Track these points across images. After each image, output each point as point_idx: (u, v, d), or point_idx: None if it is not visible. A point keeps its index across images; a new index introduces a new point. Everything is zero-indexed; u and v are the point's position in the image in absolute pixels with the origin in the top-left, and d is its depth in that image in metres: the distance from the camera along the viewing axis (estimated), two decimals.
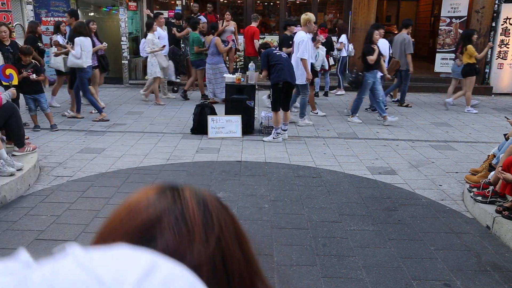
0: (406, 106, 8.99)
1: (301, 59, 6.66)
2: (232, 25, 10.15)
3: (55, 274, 0.38)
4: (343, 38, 9.83)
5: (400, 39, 8.61)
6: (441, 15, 11.09)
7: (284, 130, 6.48)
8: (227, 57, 10.15)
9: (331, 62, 9.59)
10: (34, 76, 6.32)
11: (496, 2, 10.45)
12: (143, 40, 9.24)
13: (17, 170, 4.44)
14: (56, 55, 7.64)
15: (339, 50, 9.74)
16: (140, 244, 0.45)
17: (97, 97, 7.84)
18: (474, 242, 3.59)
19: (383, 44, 8.23)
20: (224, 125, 6.53)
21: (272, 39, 11.67)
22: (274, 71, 6.06)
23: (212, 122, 6.50)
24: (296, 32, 7.70)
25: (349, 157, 5.68)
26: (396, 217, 4.00)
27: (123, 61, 10.68)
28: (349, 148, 6.10)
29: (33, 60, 6.48)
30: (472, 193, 4.19)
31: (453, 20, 10.80)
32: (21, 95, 6.31)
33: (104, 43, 8.15)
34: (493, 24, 10.48)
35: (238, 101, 6.65)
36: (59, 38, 7.61)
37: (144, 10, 11.10)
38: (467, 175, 4.74)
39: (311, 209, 4.09)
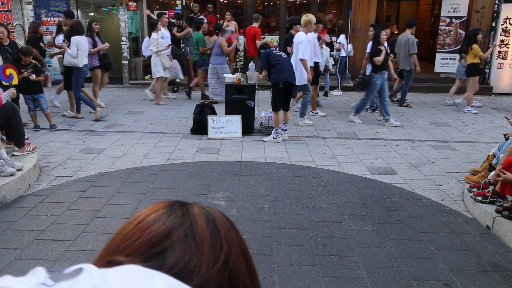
0: (406, 106, 8.99)
1: (301, 60, 6.66)
2: (232, 25, 10.16)
3: None
4: (342, 38, 9.83)
5: (404, 39, 8.61)
6: (441, 15, 11.09)
7: (284, 130, 6.48)
8: (227, 57, 10.15)
9: (332, 62, 9.59)
10: (34, 76, 6.32)
11: (496, 2, 10.45)
12: (146, 39, 9.25)
13: (17, 170, 4.44)
14: (51, 56, 7.64)
15: (338, 50, 9.74)
16: (150, 259, 0.46)
17: (91, 97, 7.82)
18: (474, 242, 3.59)
19: None
20: (224, 125, 6.53)
21: (272, 39, 11.68)
22: (274, 71, 6.05)
23: (212, 122, 6.50)
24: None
25: (349, 157, 5.68)
26: (396, 217, 4.00)
27: (123, 61, 10.68)
28: (349, 148, 6.10)
29: (33, 61, 6.48)
30: (472, 193, 4.19)
31: (453, 20, 10.80)
32: (21, 95, 6.31)
33: (106, 43, 8.15)
34: (493, 24, 10.48)
35: (238, 101, 6.65)
36: (61, 37, 7.61)
37: (144, 11, 11.10)
38: (467, 175, 4.74)
39: (311, 209, 4.09)
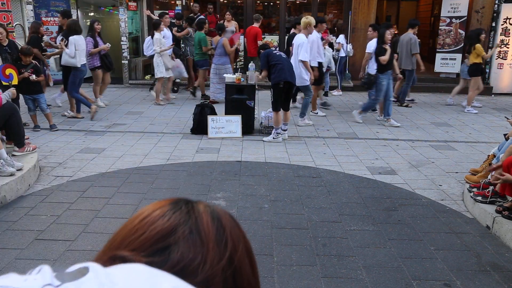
0: (406, 106, 8.99)
1: (302, 61, 6.67)
2: (233, 25, 10.16)
3: None
4: (341, 38, 9.82)
5: (406, 39, 8.61)
6: (441, 15, 11.09)
7: (284, 130, 6.48)
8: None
9: (333, 63, 9.59)
10: (34, 76, 6.31)
11: (496, 2, 10.45)
12: (147, 39, 9.26)
13: (17, 170, 4.44)
14: (48, 56, 7.62)
15: (337, 50, 9.74)
16: (154, 254, 0.46)
17: (87, 96, 7.82)
18: (474, 242, 3.59)
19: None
20: (224, 125, 6.54)
21: (272, 39, 11.68)
22: (275, 71, 6.06)
23: (212, 122, 6.50)
24: (293, 33, 7.73)
25: (349, 157, 5.68)
26: (396, 217, 4.00)
27: (123, 61, 10.68)
28: (349, 148, 6.10)
29: (33, 61, 6.48)
30: (472, 193, 4.19)
31: (453, 20, 10.80)
32: (21, 95, 6.30)
33: (108, 43, 8.16)
34: (493, 24, 10.48)
35: (238, 101, 6.65)
36: (76, 37, 7.59)
37: (144, 11, 11.11)
38: (467, 175, 4.74)
39: (311, 209, 4.09)
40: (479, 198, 4.05)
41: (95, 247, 3.33)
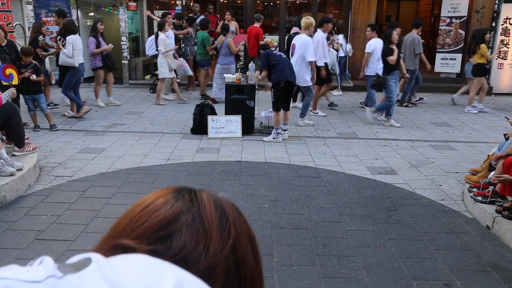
0: (406, 106, 8.99)
1: (310, 62, 6.72)
2: (233, 25, 10.16)
3: None
4: (340, 38, 9.82)
5: (409, 39, 8.60)
6: (441, 15, 11.09)
7: (284, 130, 6.48)
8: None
9: (337, 65, 9.57)
10: (34, 76, 6.32)
11: (496, 2, 10.45)
12: (149, 39, 9.27)
13: (17, 170, 4.44)
14: (44, 56, 7.62)
15: (337, 50, 9.74)
16: (156, 242, 0.46)
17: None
18: (474, 242, 3.59)
19: (379, 44, 8.22)
20: (224, 125, 6.53)
21: (272, 39, 11.68)
22: (275, 71, 6.06)
23: (212, 122, 6.50)
24: (295, 32, 7.72)
25: (349, 157, 5.68)
26: (396, 217, 4.00)
27: (123, 61, 10.69)
28: (349, 148, 6.10)
29: (33, 61, 6.48)
30: (472, 193, 4.19)
31: (453, 20, 10.80)
32: (21, 95, 6.30)
33: (110, 44, 8.17)
34: (493, 24, 10.48)
35: (238, 101, 6.65)
36: (73, 37, 7.59)
37: (145, 11, 11.10)
38: (467, 175, 4.74)
39: (311, 209, 4.09)
40: (479, 198, 4.05)
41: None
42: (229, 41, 8.55)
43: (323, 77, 7.68)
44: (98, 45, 7.96)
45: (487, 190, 4.04)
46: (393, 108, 7.46)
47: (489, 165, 4.63)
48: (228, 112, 6.73)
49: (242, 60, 11.47)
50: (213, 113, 6.74)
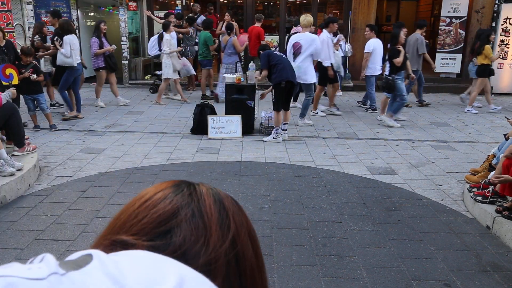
0: (406, 106, 8.97)
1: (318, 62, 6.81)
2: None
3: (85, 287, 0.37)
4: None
5: (413, 39, 8.59)
6: (441, 15, 11.09)
7: (284, 130, 6.48)
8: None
9: (342, 67, 9.54)
10: (34, 76, 6.31)
11: (496, 2, 10.45)
12: (152, 38, 9.28)
13: (17, 170, 4.44)
14: (40, 56, 7.62)
15: (336, 50, 9.72)
16: (156, 238, 0.46)
17: (98, 95, 7.81)
18: (474, 242, 3.59)
19: (377, 44, 8.24)
20: (224, 125, 6.53)
21: (272, 39, 11.68)
22: (276, 71, 6.06)
23: (212, 122, 6.50)
24: (295, 32, 7.71)
25: (349, 157, 5.68)
26: (396, 217, 4.00)
27: (123, 61, 10.68)
28: (349, 148, 6.10)
29: (33, 61, 6.48)
30: (472, 193, 4.19)
31: (453, 20, 10.80)
32: (21, 95, 6.30)
33: (114, 45, 8.18)
34: (493, 24, 10.48)
35: (238, 101, 6.65)
36: (70, 37, 7.59)
37: (145, 11, 11.10)
38: (467, 175, 4.74)
39: (311, 209, 4.09)
40: (479, 198, 4.05)
41: None
42: (234, 40, 8.58)
43: (331, 76, 7.69)
44: (101, 46, 7.97)
45: (487, 190, 4.04)
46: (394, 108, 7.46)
47: (489, 165, 4.64)
48: (228, 112, 6.73)
49: (243, 60, 11.47)
50: (213, 113, 6.74)
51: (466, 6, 10.61)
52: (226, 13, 10.14)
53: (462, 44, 10.80)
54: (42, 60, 7.63)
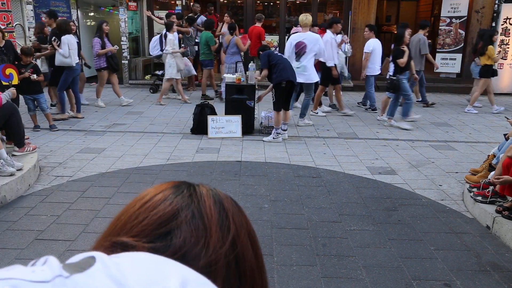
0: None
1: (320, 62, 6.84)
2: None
3: None
4: (339, 38, 9.81)
5: (415, 39, 8.59)
6: (441, 15, 11.08)
7: (284, 130, 6.48)
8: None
9: (346, 69, 9.54)
10: (35, 76, 6.32)
11: (496, 2, 10.45)
12: (154, 39, 9.28)
13: (17, 170, 4.44)
14: (37, 57, 7.62)
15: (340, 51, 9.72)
16: (156, 240, 0.46)
17: (98, 94, 7.78)
18: (474, 242, 3.59)
19: (377, 44, 8.24)
20: (224, 125, 6.53)
21: (272, 39, 11.68)
22: (276, 70, 6.06)
23: (212, 122, 6.50)
24: (295, 32, 7.71)
25: (349, 157, 5.68)
26: (396, 217, 4.00)
27: (123, 61, 10.69)
28: (349, 148, 6.10)
29: (33, 61, 6.48)
30: (472, 193, 4.19)
31: (453, 20, 10.80)
32: (21, 95, 6.30)
33: (116, 46, 8.18)
34: (493, 24, 10.48)
35: (238, 101, 6.65)
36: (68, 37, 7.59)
37: (145, 12, 11.10)
38: (467, 175, 4.74)
39: (311, 209, 4.09)
40: (479, 198, 4.05)
41: None
42: (236, 40, 8.60)
43: (335, 77, 7.70)
44: (103, 46, 7.97)
45: (487, 190, 4.04)
46: (396, 108, 7.45)
47: (489, 165, 4.64)
48: (228, 112, 6.73)
49: (243, 60, 11.46)
50: (213, 113, 6.74)
51: (466, 6, 10.61)
52: (226, 14, 10.14)
53: (462, 44, 10.80)
54: (39, 61, 7.64)
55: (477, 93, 8.45)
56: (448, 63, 10.99)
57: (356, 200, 4.34)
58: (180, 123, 7.30)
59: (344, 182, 4.83)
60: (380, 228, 3.77)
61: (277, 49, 11.03)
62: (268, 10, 12.81)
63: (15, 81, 5.95)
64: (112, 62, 8.17)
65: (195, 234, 0.46)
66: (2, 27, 7.32)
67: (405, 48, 7.02)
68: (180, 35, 9.62)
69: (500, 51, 9.27)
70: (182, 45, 9.86)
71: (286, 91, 6.18)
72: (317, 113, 8.04)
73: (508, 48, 10.41)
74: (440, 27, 11.09)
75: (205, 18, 10.23)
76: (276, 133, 6.32)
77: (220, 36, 9.79)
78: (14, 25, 8.63)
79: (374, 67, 8.28)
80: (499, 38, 10.33)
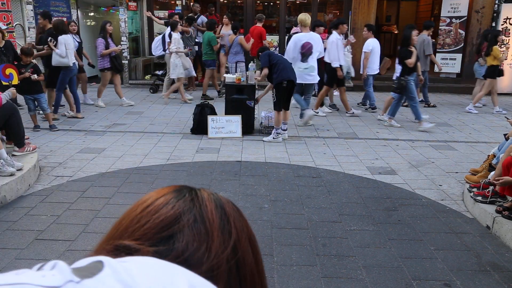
0: (407, 105, 8.97)
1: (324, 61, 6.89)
2: (229, 30, 10.12)
3: None
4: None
5: (420, 40, 8.58)
6: (441, 15, 11.09)
7: (284, 130, 6.48)
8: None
9: (352, 69, 9.52)
10: (35, 76, 6.32)
11: (496, 2, 10.45)
12: (156, 39, 9.28)
13: (17, 170, 4.44)
14: (34, 57, 7.61)
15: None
16: (158, 243, 0.46)
17: (97, 94, 7.79)
18: (474, 242, 3.59)
19: (376, 44, 8.24)
20: (224, 125, 6.53)
21: (272, 39, 11.68)
22: (277, 70, 6.07)
23: (212, 122, 6.50)
24: (296, 32, 7.71)
25: (349, 157, 5.68)
26: (396, 217, 4.00)
27: (123, 61, 10.68)
28: (349, 148, 6.10)
29: (33, 61, 6.48)
30: (472, 193, 4.19)
31: (453, 20, 10.80)
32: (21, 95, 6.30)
33: (119, 46, 8.18)
34: (493, 24, 10.48)
35: (238, 101, 6.65)
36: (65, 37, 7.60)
37: (145, 12, 11.10)
38: (467, 175, 4.74)
39: (311, 209, 4.09)
40: (479, 198, 4.05)
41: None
42: (240, 39, 8.62)
43: (340, 77, 7.70)
44: (107, 46, 7.97)
45: (487, 190, 4.04)
46: (398, 109, 7.45)
47: (489, 165, 4.64)
48: (228, 112, 6.73)
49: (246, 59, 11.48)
50: (213, 113, 6.74)
51: (466, 6, 10.61)
52: (225, 16, 10.09)
53: (462, 44, 10.80)
54: (34, 61, 7.64)
55: (481, 93, 8.44)
56: (448, 63, 10.99)
57: (356, 200, 4.34)
58: (180, 123, 7.30)
59: (344, 182, 4.83)
60: (380, 228, 3.77)
61: (277, 49, 11.03)
62: (268, 10, 12.81)
63: (15, 81, 5.95)
64: (116, 63, 8.18)
65: (198, 239, 0.47)
66: (3, 27, 7.32)
67: (413, 49, 6.98)
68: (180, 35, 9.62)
69: (504, 51, 9.27)
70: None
71: (287, 90, 6.18)
72: (318, 112, 8.04)
73: (508, 48, 10.40)
74: (440, 27, 11.08)
75: (206, 19, 10.24)
76: (276, 133, 6.32)
77: (220, 38, 9.77)
78: (14, 25, 8.63)
79: (372, 67, 8.31)
80: (499, 38, 10.32)
